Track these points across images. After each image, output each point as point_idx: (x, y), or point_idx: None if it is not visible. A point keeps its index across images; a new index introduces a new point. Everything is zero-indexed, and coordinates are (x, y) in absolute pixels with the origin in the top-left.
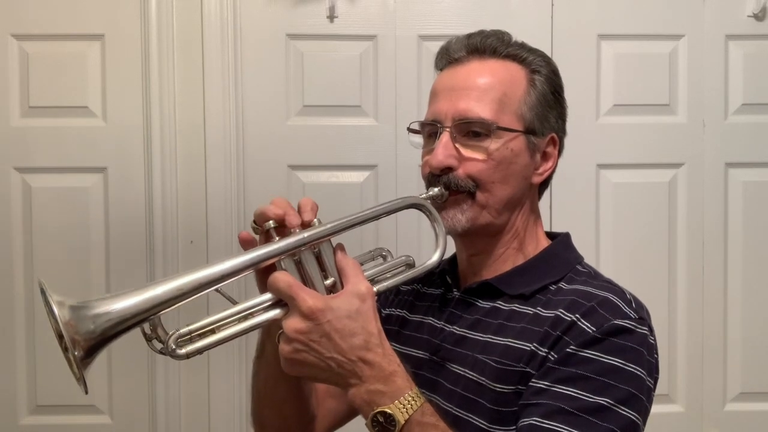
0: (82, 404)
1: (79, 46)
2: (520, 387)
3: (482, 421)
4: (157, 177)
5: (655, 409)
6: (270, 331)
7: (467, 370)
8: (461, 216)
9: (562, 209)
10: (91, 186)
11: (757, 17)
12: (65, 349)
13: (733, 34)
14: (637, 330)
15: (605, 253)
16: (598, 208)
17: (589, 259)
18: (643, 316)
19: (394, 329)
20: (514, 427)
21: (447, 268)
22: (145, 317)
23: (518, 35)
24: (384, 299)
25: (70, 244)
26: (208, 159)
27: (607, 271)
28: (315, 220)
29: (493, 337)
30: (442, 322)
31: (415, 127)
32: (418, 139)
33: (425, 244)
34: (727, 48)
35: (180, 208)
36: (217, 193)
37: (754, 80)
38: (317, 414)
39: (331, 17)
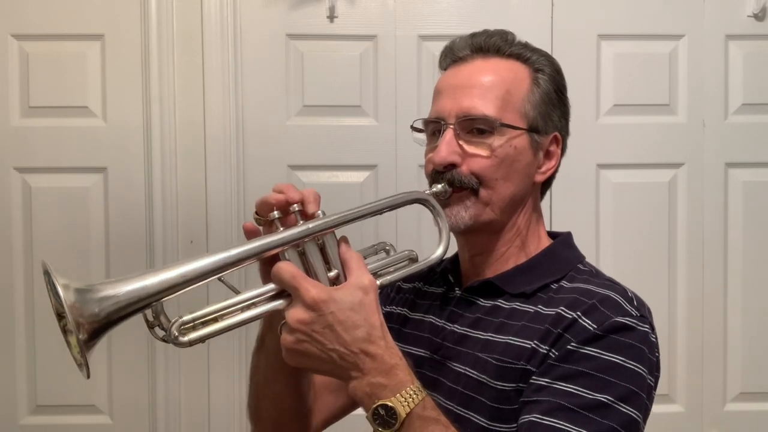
0: (82, 404)
1: (79, 46)
2: (520, 384)
3: (483, 419)
4: (157, 177)
5: (655, 409)
6: (272, 323)
7: (468, 368)
8: (464, 213)
9: (562, 209)
10: (91, 186)
11: (757, 17)
12: (67, 332)
13: (733, 34)
14: (638, 327)
15: (605, 253)
16: (598, 208)
17: (589, 258)
18: (644, 313)
19: (395, 327)
20: (514, 424)
21: (449, 267)
22: (149, 302)
23: (518, 35)
24: (385, 297)
25: (70, 244)
26: (208, 159)
27: (607, 271)
28: (319, 212)
29: (494, 335)
30: (443, 321)
31: (419, 125)
32: (422, 136)
33: (426, 241)
34: (727, 48)
35: (180, 208)
36: (217, 193)
37: (754, 80)
38: (314, 408)
39: (331, 17)
